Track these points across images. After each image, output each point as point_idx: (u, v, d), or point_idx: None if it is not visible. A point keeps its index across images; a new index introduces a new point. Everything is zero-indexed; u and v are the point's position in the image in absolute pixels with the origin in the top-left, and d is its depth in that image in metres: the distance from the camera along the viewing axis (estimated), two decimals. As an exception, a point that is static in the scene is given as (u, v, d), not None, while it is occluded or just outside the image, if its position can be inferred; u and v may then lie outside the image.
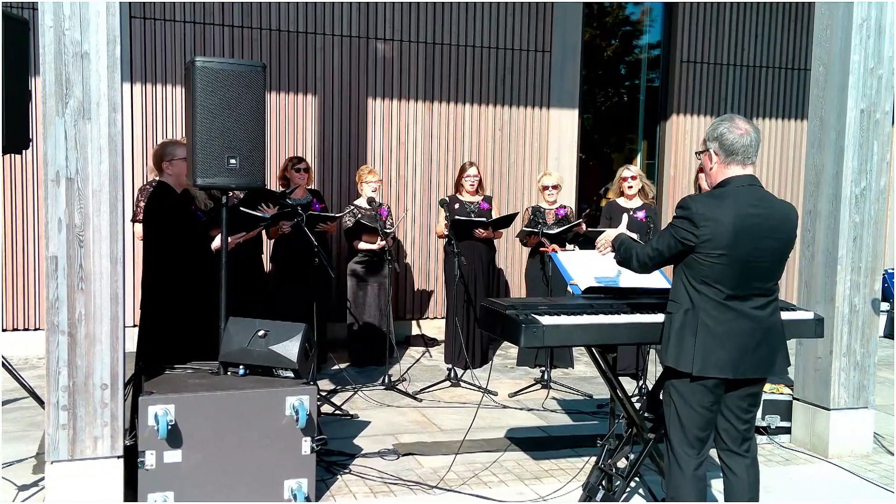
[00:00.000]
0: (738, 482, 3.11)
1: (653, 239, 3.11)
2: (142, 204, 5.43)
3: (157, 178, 5.28)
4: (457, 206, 6.57)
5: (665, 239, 2.99)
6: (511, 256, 8.10)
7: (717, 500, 3.61)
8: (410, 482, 4.11)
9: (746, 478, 3.11)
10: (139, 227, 5.25)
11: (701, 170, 5.65)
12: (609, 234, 3.40)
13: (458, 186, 6.69)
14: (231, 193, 5.48)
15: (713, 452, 3.17)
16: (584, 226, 6.32)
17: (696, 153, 3.20)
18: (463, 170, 6.65)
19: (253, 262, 5.95)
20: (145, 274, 4.59)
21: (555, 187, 6.51)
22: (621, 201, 6.38)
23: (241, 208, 4.91)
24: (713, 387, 2.95)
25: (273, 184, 6.81)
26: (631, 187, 6.29)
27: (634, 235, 3.64)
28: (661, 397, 3.19)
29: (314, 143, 7.42)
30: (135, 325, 4.73)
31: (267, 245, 6.49)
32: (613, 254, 3.31)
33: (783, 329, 3.07)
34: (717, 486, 3.55)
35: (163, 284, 4.45)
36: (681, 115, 8.59)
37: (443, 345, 7.24)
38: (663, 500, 3.74)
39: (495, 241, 6.81)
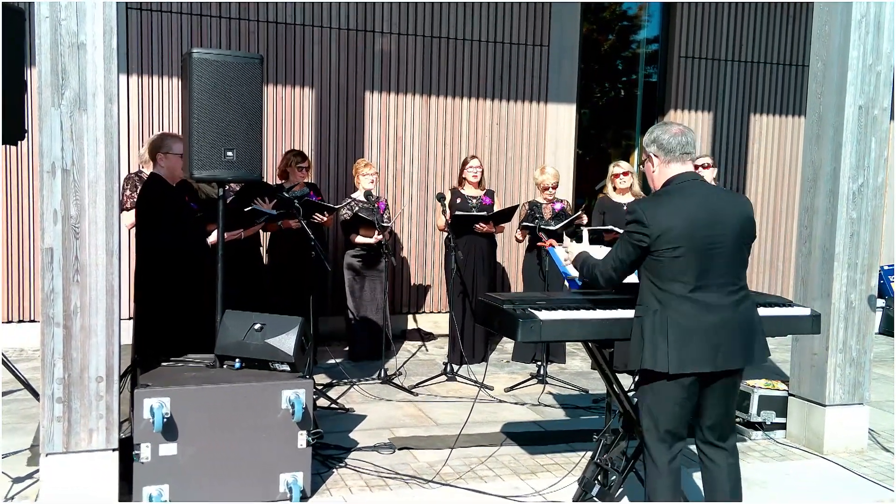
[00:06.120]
0: (719, 472, 3.13)
1: (612, 250, 3.15)
2: (127, 193, 5.39)
3: (142, 169, 5.25)
4: (458, 200, 6.55)
5: (622, 246, 3.06)
6: (511, 252, 8.09)
7: (699, 490, 3.61)
8: (406, 476, 4.11)
9: (726, 468, 3.13)
10: (126, 216, 5.18)
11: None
12: (572, 250, 3.43)
13: (461, 180, 6.68)
14: (227, 187, 5.47)
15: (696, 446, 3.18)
16: (584, 217, 6.33)
17: (638, 165, 3.29)
18: (465, 162, 6.66)
19: (251, 254, 5.93)
20: (139, 267, 4.57)
21: (554, 187, 6.50)
22: (614, 197, 6.44)
23: (249, 206, 4.88)
24: (689, 383, 2.97)
25: (271, 178, 6.78)
26: (623, 182, 6.36)
27: (600, 250, 3.60)
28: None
29: (311, 136, 7.40)
30: (130, 318, 4.71)
31: (264, 238, 6.47)
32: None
33: (758, 320, 3.09)
34: (698, 478, 3.54)
35: (157, 277, 4.44)
36: (678, 110, 8.57)
37: (441, 339, 7.24)
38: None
39: (497, 236, 6.80)
